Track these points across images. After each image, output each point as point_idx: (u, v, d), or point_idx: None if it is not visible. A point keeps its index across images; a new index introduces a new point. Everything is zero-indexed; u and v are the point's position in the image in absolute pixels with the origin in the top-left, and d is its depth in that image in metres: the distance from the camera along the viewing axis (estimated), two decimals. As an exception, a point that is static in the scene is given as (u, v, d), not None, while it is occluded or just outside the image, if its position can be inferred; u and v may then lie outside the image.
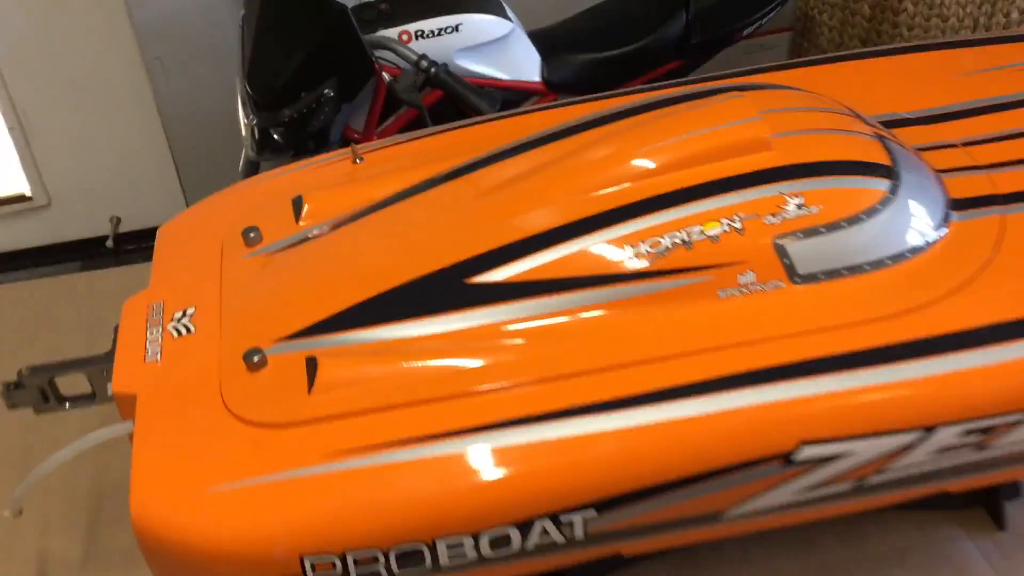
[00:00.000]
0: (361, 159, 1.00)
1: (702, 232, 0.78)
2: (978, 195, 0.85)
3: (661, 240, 0.78)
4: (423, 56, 1.89)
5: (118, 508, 1.02)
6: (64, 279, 1.36)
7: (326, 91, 1.84)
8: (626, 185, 0.81)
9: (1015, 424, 0.73)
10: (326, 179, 0.98)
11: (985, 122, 0.95)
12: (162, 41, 2.34)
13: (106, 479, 1.05)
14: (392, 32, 1.95)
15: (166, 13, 2.32)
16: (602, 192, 0.81)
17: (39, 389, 0.86)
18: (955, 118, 0.96)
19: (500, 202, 0.84)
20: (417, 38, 1.97)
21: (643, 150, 0.83)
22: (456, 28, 2.01)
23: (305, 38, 1.84)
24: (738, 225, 0.78)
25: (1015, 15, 2.07)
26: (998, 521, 0.94)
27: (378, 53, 1.89)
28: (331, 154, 1.04)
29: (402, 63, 1.92)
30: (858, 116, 0.88)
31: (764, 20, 2.27)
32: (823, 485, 0.74)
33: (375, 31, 1.93)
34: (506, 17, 2.07)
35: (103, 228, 2.64)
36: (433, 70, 1.85)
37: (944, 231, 0.81)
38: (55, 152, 2.61)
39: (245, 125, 1.76)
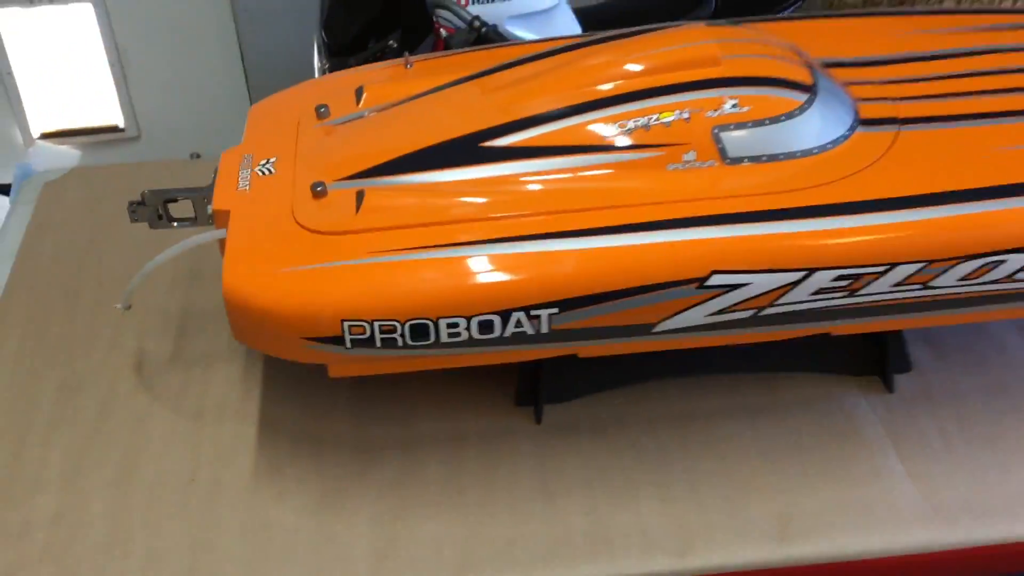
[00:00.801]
0: (411, 65, 1.27)
1: (658, 119, 1.04)
2: (881, 117, 1.10)
3: (628, 123, 1.04)
4: (476, 17, 2.16)
5: (198, 325, 1.29)
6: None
7: (391, 43, 2.12)
8: (607, 84, 1.07)
9: (876, 276, 0.99)
10: (383, 77, 1.25)
11: (909, 68, 1.20)
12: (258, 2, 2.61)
13: (192, 304, 1.33)
14: (451, -6, 2.22)
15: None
16: (586, 88, 1.07)
17: (155, 209, 1.15)
18: (887, 63, 1.21)
19: (509, 92, 1.11)
20: (473, 2, 2.25)
21: (622, 58, 1.09)
22: (507, -7, 2.27)
23: (373, 3, 2.11)
24: (686, 116, 1.04)
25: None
26: (888, 386, 1.19)
27: (438, 12, 2.16)
28: (389, 61, 1.31)
29: (457, 22, 2.19)
30: (797, 52, 1.13)
31: (793, 6, 2.51)
32: (729, 310, 1.00)
33: (435, -7, 2.20)
34: (546, -22, 2.32)
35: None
36: (484, 30, 2.12)
37: (847, 138, 1.06)
38: (148, 89, 2.88)
39: (319, 69, 2.03)
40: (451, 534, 1.03)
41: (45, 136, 2.94)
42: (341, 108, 1.19)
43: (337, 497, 1.07)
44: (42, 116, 2.91)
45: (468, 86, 1.16)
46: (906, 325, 1.10)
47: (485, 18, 2.16)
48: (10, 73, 2.83)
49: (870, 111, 1.10)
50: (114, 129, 2.92)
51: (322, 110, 1.18)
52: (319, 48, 2.17)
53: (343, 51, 2.05)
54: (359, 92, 1.20)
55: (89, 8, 2.74)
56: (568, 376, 1.15)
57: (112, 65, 2.84)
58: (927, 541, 1.02)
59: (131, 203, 1.14)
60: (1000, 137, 1.06)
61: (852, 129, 1.06)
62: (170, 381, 1.21)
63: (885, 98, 1.12)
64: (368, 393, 1.18)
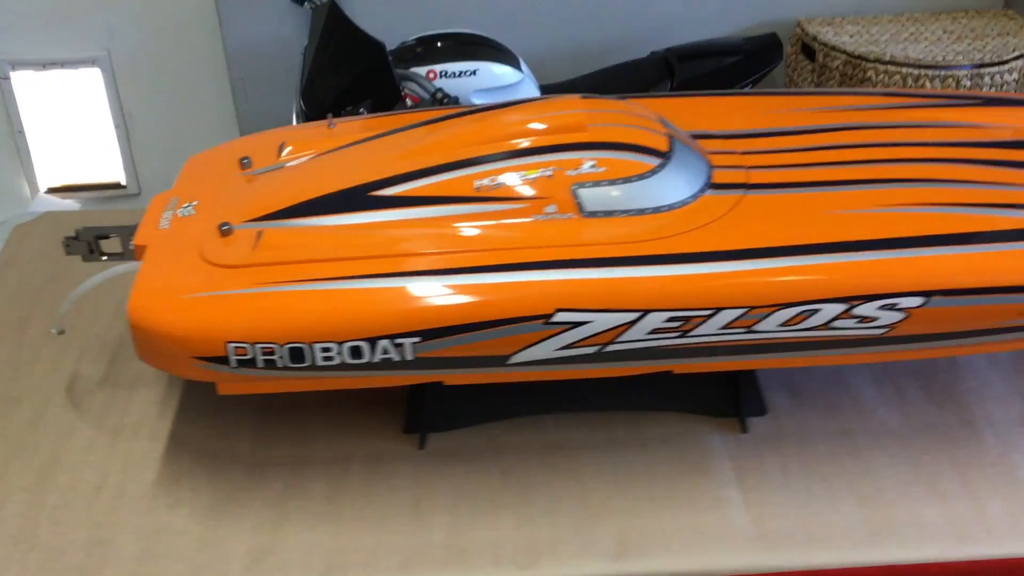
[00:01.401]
0: (334, 125, 1.40)
1: (525, 175, 1.16)
2: (731, 182, 1.22)
3: (498, 178, 1.16)
4: (439, 89, 2.32)
5: (130, 353, 1.39)
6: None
7: (361, 109, 2.28)
8: (484, 144, 1.20)
9: (703, 319, 1.09)
10: (306, 135, 1.39)
11: (769, 141, 1.32)
12: (246, 63, 2.80)
13: (128, 334, 1.44)
14: (421, 70, 2.39)
15: (251, 39, 2.76)
16: (467, 147, 1.20)
17: (87, 244, 1.28)
18: (752, 136, 1.33)
19: (403, 149, 1.24)
20: (441, 76, 2.41)
21: (501, 122, 1.22)
22: (474, 72, 2.44)
23: (350, 67, 2.28)
24: (549, 174, 1.16)
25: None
26: (743, 426, 1.29)
27: (405, 84, 2.32)
28: (316, 122, 1.45)
29: (423, 93, 2.35)
30: (663, 123, 1.26)
31: (749, 84, 2.65)
32: (575, 345, 1.11)
33: (409, 67, 2.37)
34: (518, 69, 2.49)
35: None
36: (446, 101, 2.27)
37: (695, 199, 1.18)
38: (150, 149, 3.05)
39: None
40: (322, 543, 1.13)
41: (51, 191, 3.09)
42: (264, 160, 1.32)
43: (226, 507, 1.17)
44: (49, 171, 3.08)
45: (372, 143, 1.29)
46: (744, 366, 1.20)
47: (453, 93, 2.32)
48: (21, 131, 3.01)
49: (723, 176, 1.21)
50: (116, 186, 3.08)
51: (245, 161, 1.31)
52: (297, 114, 2.33)
53: (319, 116, 2.20)
54: (281, 146, 1.34)
55: (97, 72, 2.92)
56: (451, 407, 1.26)
57: (117, 127, 3.00)
58: (750, 563, 1.11)
59: (66, 237, 1.27)
60: (830, 203, 1.17)
61: (701, 192, 1.18)
62: (96, 400, 1.32)
63: (740, 166, 1.24)
64: (270, 417, 1.29)
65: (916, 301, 1.09)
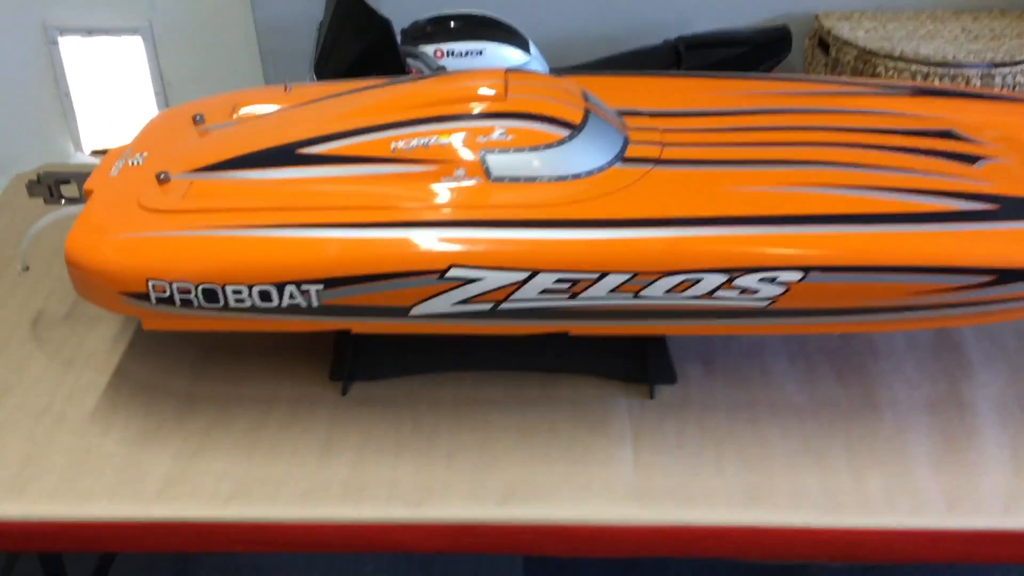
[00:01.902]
0: (289, 89, 1.48)
1: (437, 140, 1.22)
2: (641, 156, 1.26)
3: (413, 141, 1.23)
4: (441, 67, 2.38)
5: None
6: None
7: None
8: (405, 109, 1.26)
9: (590, 282, 1.15)
10: (260, 96, 1.47)
11: (693, 120, 1.36)
12: (274, 37, 2.90)
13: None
14: (429, 48, 2.46)
15: (279, 15, 2.86)
16: (389, 111, 1.27)
17: (48, 187, 1.38)
18: (676, 115, 1.37)
19: (335, 111, 1.31)
20: (448, 56, 2.48)
21: (424, 89, 1.29)
22: (480, 52, 2.50)
23: (358, 43, 2.36)
24: (460, 139, 1.22)
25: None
26: (650, 392, 1.34)
27: (411, 60, 2.39)
28: (273, 85, 1.53)
29: (427, 71, 2.42)
30: (585, 98, 1.31)
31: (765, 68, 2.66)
32: (470, 301, 1.17)
33: (418, 45, 2.44)
34: (526, 51, 2.54)
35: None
36: None
37: (602, 170, 1.23)
38: (187, 117, 3.16)
39: None
40: (232, 472, 1.22)
41: (95, 153, 3.24)
42: (217, 119, 1.40)
43: (152, 435, 1.26)
44: (93, 133, 3.22)
45: (312, 106, 1.36)
46: (637, 331, 1.25)
47: (458, 70, 2.38)
48: (68, 94, 3.16)
49: (636, 151, 1.26)
50: (154, 151, 3.19)
51: (198, 118, 1.40)
52: (311, 86, 2.41)
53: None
54: (235, 107, 1.42)
55: (139, 41, 3.05)
56: (375, 358, 1.33)
57: (157, 93, 3.14)
58: (625, 516, 1.16)
59: (29, 181, 1.37)
60: (731, 180, 1.21)
61: (609, 164, 1.23)
62: (56, 334, 1.43)
63: (656, 142, 1.28)
64: (211, 356, 1.38)
65: (795, 276, 1.12)
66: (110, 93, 3.19)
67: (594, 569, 2.05)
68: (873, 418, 1.28)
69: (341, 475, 1.21)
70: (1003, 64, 2.55)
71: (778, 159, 1.25)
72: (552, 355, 1.33)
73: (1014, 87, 2.60)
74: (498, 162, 1.20)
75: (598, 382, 1.34)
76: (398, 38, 2.48)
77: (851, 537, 1.15)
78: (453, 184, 1.20)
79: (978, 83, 2.56)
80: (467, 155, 1.21)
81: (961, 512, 1.15)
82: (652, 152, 1.27)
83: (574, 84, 1.33)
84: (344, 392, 1.33)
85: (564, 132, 1.22)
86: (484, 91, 1.25)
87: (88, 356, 1.39)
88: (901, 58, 2.58)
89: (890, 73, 2.59)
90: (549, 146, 1.21)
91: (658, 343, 1.32)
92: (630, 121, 1.34)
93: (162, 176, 1.25)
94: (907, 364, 1.37)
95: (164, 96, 3.16)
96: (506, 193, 1.19)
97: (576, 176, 1.21)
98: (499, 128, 1.21)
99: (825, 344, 1.39)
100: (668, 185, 1.21)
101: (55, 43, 3.10)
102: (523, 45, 2.57)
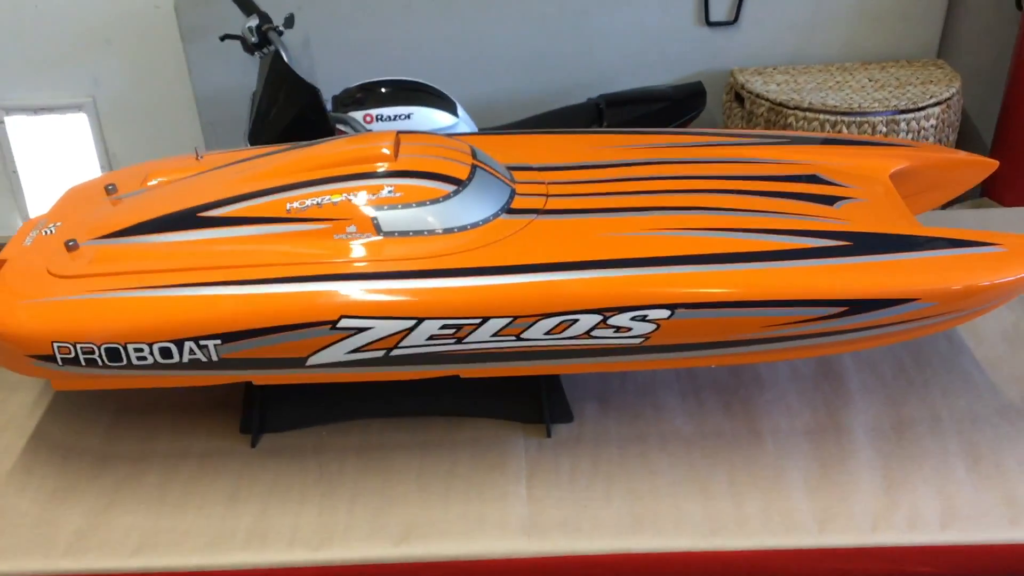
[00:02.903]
0: (201, 157, 1.55)
1: (329, 199, 1.29)
2: (527, 208, 1.33)
3: (307, 201, 1.29)
4: (369, 132, 2.46)
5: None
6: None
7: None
8: (300, 172, 1.33)
9: (474, 327, 1.21)
10: (172, 166, 1.53)
11: (577, 173, 1.44)
12: (214, 109, 2.97)
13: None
14: (359, 114, 2.54)
15: (217, 88, 2.94)
16: (285, 174, 1.33)
17: None
18: (564, 169, 1.45)
19: (235, 176, 1.37)
20: (377, 120, 2.56)
21: (319, 152, 1.35)
22: (408, 116, 2.58)
23: (288, 110, 2.43)
24: (351, 197, 1.29)
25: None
26: (547, 431, 1.39)
27: (340, 126, 2.47)
28: (184, 155, 1.59)
29: (355, 134, 2.49)
30: (474, 155, 1.38)
31: (679, 124, 2.76)
32: (363, 349, 1.23)
33: (348, 111, 2.52)
34: (454, 114, 2.63)
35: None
36: None
37: (487, 222, 1.30)
38: (132, 189, 3.22)
39: None
40: (141, 525, 1.25)
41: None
42: (129, 187, 1.46)
43: (66, 493, 1.30)
44: (41, 207, 3.26)
45: (216, 172, 1.42)
46: (524, 372, 1.30)
47: (387, 133, 2.46)
48: (15, 171, 3.21)
49: (521, 203, 1.33)
50: (101, 222, 3.24)
51: (110, 187, 1.45)
52: (245, 154, 2.47)
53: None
54: (146, 176, 1.48)
55: (84, 117, 3.12)
56: (283, 410, 1.38)
57: (103, 167, 3.19)
58: (518, 549, 1.21)
59: (-56, 255, 1.42)
60: (606, 227, 1.28)
61: (495, 215, 1.30)
62: (-22, 400, 1.46)
63: (541, 194, 1.35)
64: (123, 415, 1.42)
65: (664, 313, 1.19)
66: (56, 167, 3.24)
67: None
68: (755, 446, 1.34)
69: (246, 523, 1.25)
70: (907, 111, 2.66)
71: (651, 206, 1.32)
72: (453, 400, 1.38)
73: (919, 131, 2.71)
74: (387, 218, 1.26)
75: (499, 424, 1.39)
76: (329, 105, 2.56)
77: (727, 558, 1.20)
78: (345, 240, 1.26)
79: (883, 129, 2.67)
80: (358, 212, 1.27)
81: (831, 531, 1.21)
82: (537, 203, 1.34)
83: (464, 143, 1.40)
84: (253, 444, 1.37)
85: (450, 188, 1.29)
86: (373, 152, 1.31)
87: (8, 420, 1.43)
88: (809, 108, 2.69)
89: (800, 124, 2.70)
90: (435, 201, 1.28)
91: (553, 384, 1.38)
92: (519, 175, 1.41)
93: (71, 243, 1.30)
94: (790, 394, 1.43)
95: (110, 168, 3.21)
96: (396, 247, 1.25)
97: (463, 228, 1.27)
98: (388, 186, 1.28)
99: (716, 379, 1.46)
100: (548, 233, 1.28)
101: (1, 122, 3.16)
102: (451, 108, 2.65)
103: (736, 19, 2.91)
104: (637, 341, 1.21)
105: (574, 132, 1.61)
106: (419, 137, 1.39)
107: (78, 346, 1.20)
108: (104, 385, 1.27)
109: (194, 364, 1.22)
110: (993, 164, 1.50)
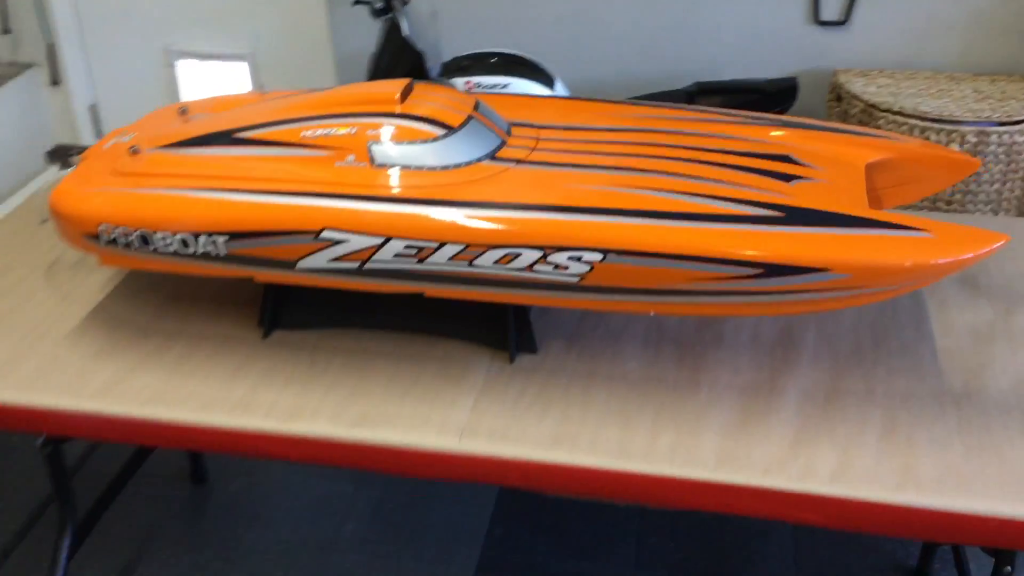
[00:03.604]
0: (265, 92, 1.79)
1: (337, 131, 1.49)
2: (509, 157, 1.50)
3: (317, 131, 1.50)
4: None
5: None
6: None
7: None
8: (317, 108, 1.54)
9: (432, 250, 1.39)
10: (241, 97, 1.78)
11: (566, 133, 1.59)
12: (351, 68, 3.24)
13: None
14: (461, 80, 2.76)
15: (355, 50, 3.21)
16: (305, 109, 1.54)
17: (61, 158, 1.72)
18: (557, 128, 1.60)
19: (269, 108, 1.60)
20: (476, 87, 2.77)
21: (339, 92, 1.56)
22: (505, 86, 2.78)
23: (397, 71, 2.67)
24: (353, 131, 1.49)
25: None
26: (510, 357, 1.56)
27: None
28: (252, 91, 1.83)
29: (457, 95, 2.69)
30: (476, 108, 1.55)
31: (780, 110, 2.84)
32: (341, 259, 1.43)
33: (452, 77, 2.74)
34: (550, 87, 2.80)
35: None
36: None
37: (468, 164, 1.47)
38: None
39: None
40: (155, 385, 1.50)
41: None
42: (196, 112, 1.72)
43: (106, 354, 1.57)
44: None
45: (264, 103, 1.66)
46: (474, 296, 1.46)
47: (487, 94, 2.67)
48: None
49: (506, 153, 1.50)
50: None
51: (183, 110, 1.71)
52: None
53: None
54: (217, 105, 1.73)
55: (245, 66, 3.47)
56: (292, 311, 1.60)
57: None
58: (450, 446, 1.38)
59: (46, 152, 1.72)
60: (571, 179, 1.43)
61: (477, 160, 1.47)
62: (62, 277, 1.76)
63: (527, 147, 1.52)
64: (170, 301, 1.68)
65: (597, 256, 1.33)
66: (216, 110, 3.59)
67: (554, 534, 2.25)
68: (689, 393, 1.46)
69: (237, 395, 1.48)
70: (999, 123, 2.64)
71: (618, 166, 1.46)
72: (435, 320, 1.56)
73: (1011, 146, 2.68)
74: (381, 151, 1.46)
75: (471, 347, 1.56)
76: (439, 70, 2.79)
77: (628, 480, 1.34)
78: (343, 166, 1.46)
79: (973, 140, 2.66)
80: (359, 145, 1.47)
81: (726, 470, 1.32)
82: (520, 155, 1.50)
83: (472, 98, 1.57)
84: (264, 336, 1.60)
85: (441, 131, 1.47)
86: (383, 96, 1.51)
87: (79, 295, 1.71)
88: (900, 112, 2.71)
89: (890, 127, 2.72)
90: (425, 141, 1.46)
91: (522, 317, 1.54)
92: (519, 131, 1.57)
93: (134, 149, 1.56)
94: (742, 356, 1.54)
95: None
96: (383, 176, 1.44)
97: (444, 167, 1.45)
98: (388, 125, 1.47)
99: (679, 334, 1.58)
100: (518, 180, 1.44)
101: (173, 66, 3.55)
102: (548, 82, 2.82)
103: (847, 19, 2.93)
104: (574, 279, 1.36)
105: (604, 101, 1.74)
106: (432, 88, 1.57)
107: (117, 229, 1.46)
108: (135, 265, 1.52)
109: (206, 256, 1.45)
110: (976, 164, 1.55)
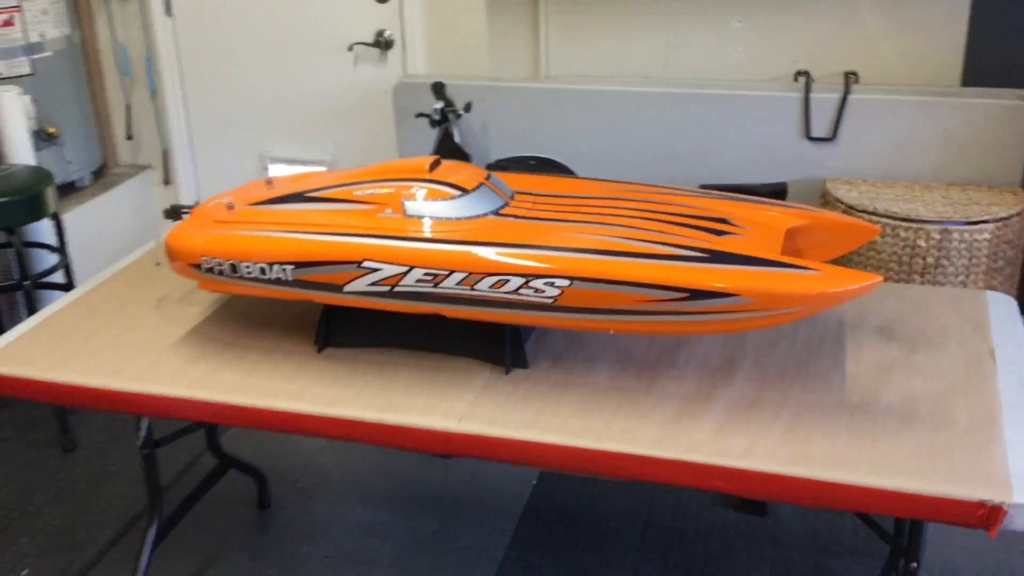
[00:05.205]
0: (333, 168, 2.26)
1: (379, 191, 1.95)
2: (510, 213, 1.93)
3: (366, 191, 1.96)
4: None
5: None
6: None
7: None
8: (367, 175, 2.00)
9: (443, 276, 1.81)
10: (312, 173, 2.25)
11: (556, 199, 2.02)
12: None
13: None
14: (500, 178, 3.20)
15: (418, 150, 3.71)
16: (359, 176, 2.01)
17: (175, 213, 2.20)
18: (553, 196, 2.04)
19: (331, 176, 2.07)
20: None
21: (385, 165, 2.03)
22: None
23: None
24: (391, 190, 1.94)
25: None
26: (506, 370, 1.96)
27: None
28: (315, 171, 2.31)
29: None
30: (488, 179, 1.99)
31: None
32: (376, 284, 1.86)
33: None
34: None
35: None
36: None
37: (478, 217, 1.91)
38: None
39: None
40: (233, 380, 1.92)
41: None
42: (281, 184, 2.20)
43: (198, 359, 2.00)
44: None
45: (328, 175, 2.13)
46: (481, 317, 1.87)
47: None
48: (270, 205, 4.08)
49: (508, 211, 1.93)
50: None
51: (269, 181, 2.20)
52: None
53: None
54: (297, 179, 2.21)
55: (325, 169, 3.98)
56: (341, 333, 2.03)
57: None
58: (447, 426, 1.78)
59: (164, 210, 2.21)
60: (552, 228, 1.85)
61: (484, 215, 1.91)
62: (171, 307, 2.22)
63: (525, 207, 1.95)
64: (250, 324, 2.12)
65: (565, 282, 1.74)
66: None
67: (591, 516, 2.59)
68: (641, 398, 1.83)
69: (294, 388, 1.90)
70: (958, 222, 3.00)
71: (589, 221, 1.87)
72: (450, 341, 1.97)
73: (972, 243, 3.03)
74: (412, 206, 1.90)
75: (475, 362, 1.97)
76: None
77: (584, 454, 1.71)
78: (382, 216, 1.91)
79: (937, 237, 3.02)
80: (395, 201, 1.92)
81: (661, 448, 1.68)
82: (518, 212, 1.93)
83: (484, 172, 2.02)
84: (319, 351, 2.02)
85: (457, 193, 1.91)
86: (417, 167, 1.96)
87: (181, 320, 2.16)
88: (875, 212, 3.09)
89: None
90: (444, 199, 1.90)
91: (516, 339, 1.94)
92: (521, 197, 2.01)
93: (230, 206, 2.04)
94: (689, 375, 1.91)
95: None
96: (411, 224, 1.88)
97: (459, 219, 1.89)
98: (417, 188, 1.92)
99: (643, 357, 1.96)
100: (512, 229, 1.86)
101: (267, 169, 4.10)
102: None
103: (834, 136, 3.34)
104: (550, 301, 1.76)
105: (592, 179, 2.18)
106: (457, 164, 2.03)
107: (214, 260, 1.91)
108: (226, 289, 1.97)
109: (277, 281, 1.90)
110: (876, 230, 1.93)
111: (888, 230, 3.05)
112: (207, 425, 2.54)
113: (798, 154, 3.39)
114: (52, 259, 3.27)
